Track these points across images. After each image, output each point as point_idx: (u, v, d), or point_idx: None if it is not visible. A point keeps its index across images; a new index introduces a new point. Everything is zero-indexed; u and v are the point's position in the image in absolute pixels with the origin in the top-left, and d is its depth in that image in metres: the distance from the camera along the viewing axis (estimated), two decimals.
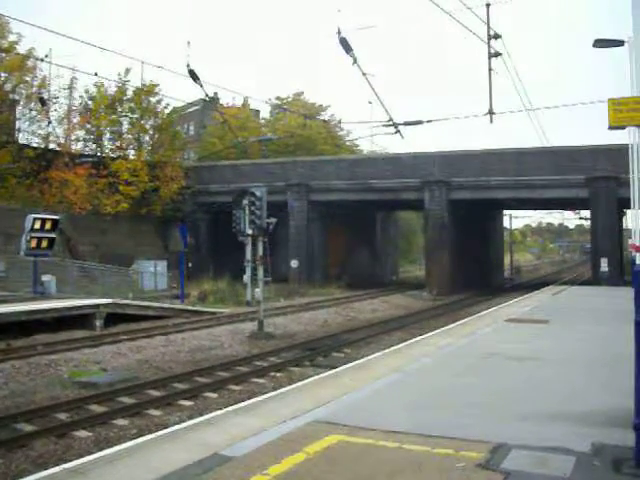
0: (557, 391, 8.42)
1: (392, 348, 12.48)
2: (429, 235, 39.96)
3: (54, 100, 40.54)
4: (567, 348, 12.08)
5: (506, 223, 65.09)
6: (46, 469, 6.15)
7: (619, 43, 14.40)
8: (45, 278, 25.91)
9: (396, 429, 6.59)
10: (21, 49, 37.02)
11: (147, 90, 41.21)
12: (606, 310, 18.84)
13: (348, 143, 59.43)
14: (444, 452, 5.88)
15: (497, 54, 16.40)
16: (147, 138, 44.20)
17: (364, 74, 15.56)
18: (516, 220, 75.58)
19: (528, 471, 5.36)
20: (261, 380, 14.30)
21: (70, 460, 6.48)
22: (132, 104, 42.40)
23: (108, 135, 42.95)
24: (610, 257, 34.19)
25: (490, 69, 16.56)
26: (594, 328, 14.71)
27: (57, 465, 6.39)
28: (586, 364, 10.34)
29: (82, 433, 10.08)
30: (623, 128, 7.23)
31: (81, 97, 41.55)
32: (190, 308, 26.81)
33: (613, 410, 7.00)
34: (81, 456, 7.39)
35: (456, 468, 5.48)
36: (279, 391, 8.68)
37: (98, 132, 41.98)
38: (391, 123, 17.37)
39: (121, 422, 10.81)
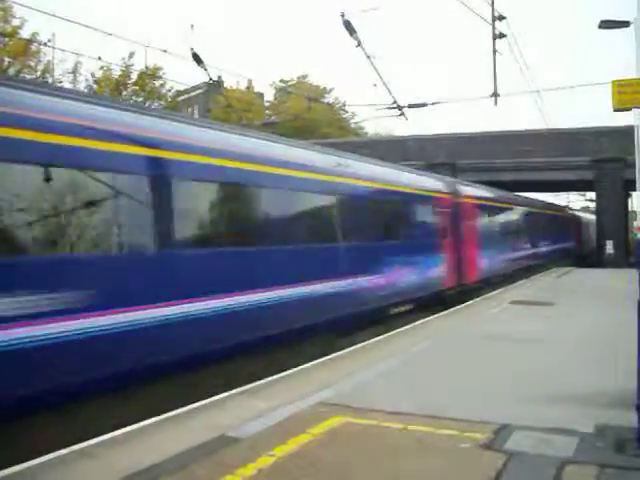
0: (561, 372, 8.46)
1: (397, 330, 12.52)
2: None
3: (58, 84, 40.48)
4: (571, 330, 12.11)
5: None
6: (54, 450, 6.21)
7: (624, 24, 14.31)
8: None
9: (400, 410, 6.65)
10: (24, 33, 36.93)
11: (151, 73, 41.11)
12: (611, 292, 18.83)
13: (353, 126, 59.27)
14: (448, 433, 5.93)
15: (502, 35, 16.25)
16: None
17: (368, 57, 15.44)
18: None
19: (531, 451, 5.41)
20: None
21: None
22: (136, 87, 42.35)
23: None
24: (615, 239, 34.13)
25: (495, 51, 16.41)
26: (598, 310, 14.71)
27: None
28: (590, 346, 10.37)
29: None
30: (628, 110, 7.21)
31: (86, 80, 41.51)
32: None
33: (616, 391, 7.04)
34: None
35: (460, 448, 5.53)
36: (284, 373, 8.73)
37: None
38: (395, 105, 17.28)
39: None
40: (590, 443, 5.61)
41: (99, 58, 29.04)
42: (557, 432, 5.86)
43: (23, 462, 5.38)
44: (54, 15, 14.49)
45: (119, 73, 41.12)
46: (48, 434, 6.33)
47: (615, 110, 6.86)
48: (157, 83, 43.06)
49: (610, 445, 5.54)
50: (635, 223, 29.84)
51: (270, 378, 8.45)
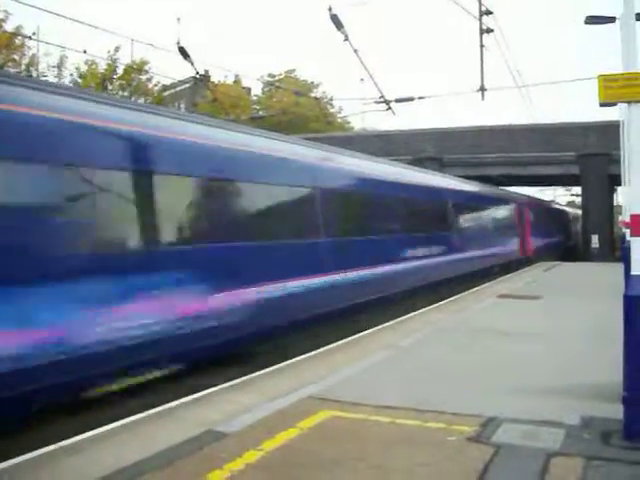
0: (547, 365, 8.50)
1: (385, 324, 12.54)
2: None
3: (43, 78, 40.11)
4: (558, 323, 12.17)
5: None
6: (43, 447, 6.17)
7: (610, 20, 14.36)
8: None
9: (389, 404, 6.66)
10: (8, 27, 36.56)
11: (137, 68, 40.84)
12: (597, 286, 18.95)
13: (340, 120, 59.16)
14: (436, 426, 5.96)
15: (489, 30, 16.29)
16: None
17: (355, 51, 15.43)
18: None
19: (518, 444, 5.44)
20: None
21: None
22: (123, 82, 42.05)
23: None
24: (601, 233, 34.36)
25: (482, 46, 16.45)
26: (585, 303, 14.79)
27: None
28: (576, 339, 10.42)
29: None
30: (614, 105, 7.20)
31: (71, 75, 41.15)
32: None
33: (602, 384, 7.08)
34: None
35: (447, 442, 5.55)
36: (272, 368, 8.72)
37: None
38: (382, 100, 17.28)
39: None
40: (576, 435, 5.64)
41: (84, 52, 28.70)
42: (544, 424, 5.90)
43: (10, 459, 5.34)
44: (37, 7, 14.32)
45: (105, 67, 40.81)
46: (35, 430, 6.30)
47: (601, 105, 6.83)
48: (143, 77, 42.76)
49: (596, 437, 5.58)
50: (620, 217, 30.10)
51: (258, 373, 8.43)
